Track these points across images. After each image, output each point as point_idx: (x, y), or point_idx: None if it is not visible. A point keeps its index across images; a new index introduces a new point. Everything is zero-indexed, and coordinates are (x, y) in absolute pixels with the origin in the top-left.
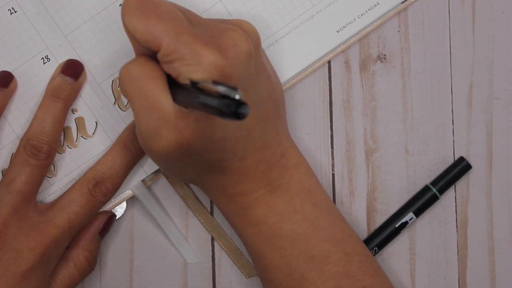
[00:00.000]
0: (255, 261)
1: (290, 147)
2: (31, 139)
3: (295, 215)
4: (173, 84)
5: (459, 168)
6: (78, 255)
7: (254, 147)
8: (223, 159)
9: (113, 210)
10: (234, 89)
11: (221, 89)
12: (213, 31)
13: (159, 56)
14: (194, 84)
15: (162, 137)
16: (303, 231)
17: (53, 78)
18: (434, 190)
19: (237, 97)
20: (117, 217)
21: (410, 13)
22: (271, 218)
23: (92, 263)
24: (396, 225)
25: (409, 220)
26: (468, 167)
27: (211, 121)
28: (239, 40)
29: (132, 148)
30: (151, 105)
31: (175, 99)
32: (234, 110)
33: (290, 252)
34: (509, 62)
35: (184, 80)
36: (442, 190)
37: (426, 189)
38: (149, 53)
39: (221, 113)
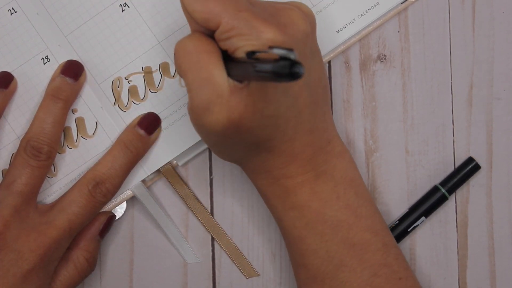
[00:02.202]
0: (291, 246)
1: (335, 135)
2: (32, 140)
3: (339, 202)
4: (227, 60)
5: (469, 169)
6: (78, 256)
7: (303, 130)
8: (273, 138)
9: (113, 211)
10: (290, 50)
11: (277, 51)
12: (271, 10)
13: (217, 33)
14: (250, 55)
15: (214, 112)
16: (345, 219)
17: (53, 79)
18: (444, 190)
19: (292, 56)
20: (117, 218)
21: (410, 13)
22: (315, 203)
23: (92, 264)
24: (409, 229)
25: (421, 223)
26: (477, 167)
27: (264, 96)
28: (297, 19)
29: (132, 148)
30: (205, 79)
31: (229, 73)
32: (289, 70)
33: (331, 238)
34: (509, 62)
35: (241, 53)
36: (451, 191)
37: (435, 189)
38: (205, 32)
39: (276, 75)
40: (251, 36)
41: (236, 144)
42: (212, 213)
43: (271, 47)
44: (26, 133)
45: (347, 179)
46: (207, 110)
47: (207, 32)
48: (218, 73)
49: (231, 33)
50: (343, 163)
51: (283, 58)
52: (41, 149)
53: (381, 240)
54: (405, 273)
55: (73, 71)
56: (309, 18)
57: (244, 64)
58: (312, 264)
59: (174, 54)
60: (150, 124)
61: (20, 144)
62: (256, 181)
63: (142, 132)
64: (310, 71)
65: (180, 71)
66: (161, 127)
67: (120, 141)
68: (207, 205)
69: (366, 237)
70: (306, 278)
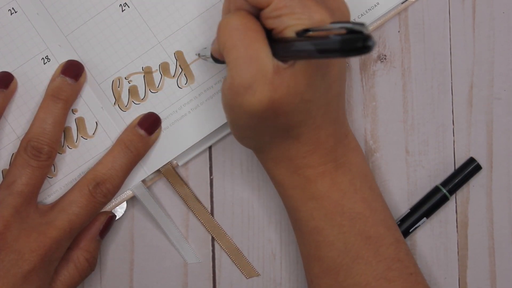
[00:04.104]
0: (306, 238)
1: (350, 130)
2: (32, 140)
3: (356, 194)
4: (271, 40)
5: (470, 169)
6: (79, 256)
7: (329, 118)
8: (303, 124)
9: (113, 211)
10: (362, 24)
11: (346, 25)
12: None
13: (267, 11)
14: (301, 34)
15: (256, 91)
16: (362, 211)
17: (53, 79)
18: (445, 191)
19: (365, 30)
20: (117, 218)
21: (410, 13)
22: (335, 193)
23: (93, 264)
24: (410, 230)
25: (422, 224)
26: (478, 167)
27: (307, 79)
28: (343, 6)
29: (133, 148)
30: (251, 57)
31: (274, 53)
32: (362, 43)
33: (349, 229)
34: (509, 62)
35: (290, 33)
36: (452, 191)
37: (436, 190)
38: (250, 10)
39: (345, 50)
40: (304, 15)
41: (266, 128)
42: (212, 213)
43: (335, 23)
44: (27, 133)
45: (362, 174)
46: (249, 88)
47: (252, 10)
48: (264, 52)
49: (283, 11)
50: (358, 157)
51: (351, 32)
52: (42, 149)
53: (393, 235)
54: (414, 269)
55: (73, 71)
56: (348, 7)
57: (293, 44)
58: (327, 257)
59: (218, 31)
60: (150, 124)
61: (20, 144)
62: (275, 170)
63: (142, 132)
64: (342, 61)
65: (224, 48)
66: (161, 127)
67: (121, 141)
68: (207, 205)
69: (380, 231)
70: (319, 271)
